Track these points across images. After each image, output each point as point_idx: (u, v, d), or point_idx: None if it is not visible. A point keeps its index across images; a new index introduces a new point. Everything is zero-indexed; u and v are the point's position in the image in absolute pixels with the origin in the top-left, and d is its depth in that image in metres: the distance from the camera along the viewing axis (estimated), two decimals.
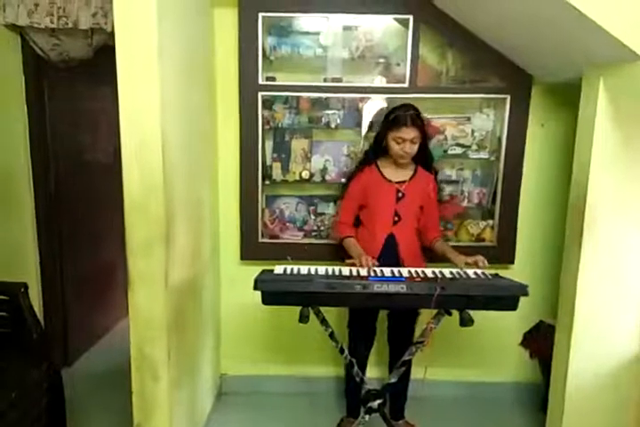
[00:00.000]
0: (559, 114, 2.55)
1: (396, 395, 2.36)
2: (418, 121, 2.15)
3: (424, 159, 2.29)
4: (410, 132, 2.13)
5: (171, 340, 1.86)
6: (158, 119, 1.71)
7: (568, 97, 2.39)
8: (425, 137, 2.22)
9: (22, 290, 1.96)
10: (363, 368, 2.31)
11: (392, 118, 2.18)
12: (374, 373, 2.66)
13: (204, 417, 2.51)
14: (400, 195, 2.22)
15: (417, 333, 2.28)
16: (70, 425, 2.17)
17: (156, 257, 1.78)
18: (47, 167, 2.81)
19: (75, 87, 3.07)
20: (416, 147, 2.17)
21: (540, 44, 2.13)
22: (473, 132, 2.58)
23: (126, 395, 1.86)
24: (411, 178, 2.25)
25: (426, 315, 1.93)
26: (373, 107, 2.58)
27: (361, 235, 2.29)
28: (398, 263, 2.19)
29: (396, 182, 2.23)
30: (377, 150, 2.28)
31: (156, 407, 1.85)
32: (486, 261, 1.99)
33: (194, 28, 2.18)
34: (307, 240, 2.66)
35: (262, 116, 2.52)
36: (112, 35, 1.70)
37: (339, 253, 2.41)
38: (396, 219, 2.22)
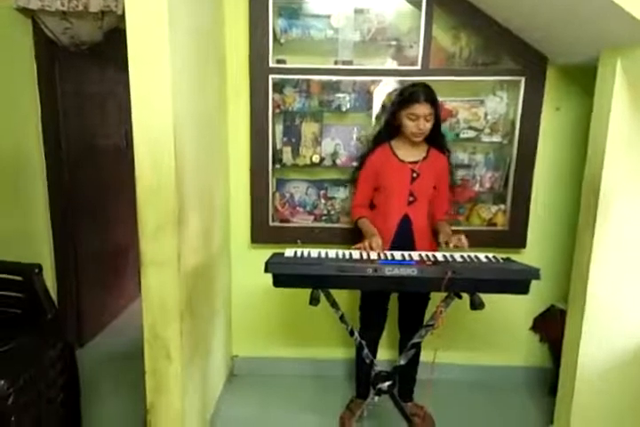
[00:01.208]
0: (575, 97, 2.50)
1: (405, 377, 2.37)
2: (432, 98, 2.12)
3: (437, 140, 2.27)
4: (424, 109, 2.10)
5: (183, 321, 1.88)
6: (170, 103, 1.71)
7: (584, 80, 2.35)
8: (438, 117, 2.20)
9: (37, 271, 1.99)
10: (374, 351, 2.33)
11: (405, 95, 2.16)
12: (385, 355, 2.68)
13: (216, 398, 2.55)
14: (415, 175, 2.21)
15: (427, 316, 2.29)
16: (85, 404, 2.22)
17: (169, 240, 1.79)
18: (59, 150, 2.84)
19: (86, 70, 3.07)
20: (429, 125, 2.15)
21: (556, 24, 2.08)
22: (486, 115, 2.55)
23: (139, 375, 1.89)
24: (424, 158, 2.23)
25: (436, 298, 1.93)
26: (385, 90, 2.55)
27: (375, 216, 2.28)
28: (412, 244, 2.19)
29: (410, 162, 2.22)
30: (390, 130, 2.26)
31: (168, 387, 1.88)
32: (465, 242, 2.00)
33: (204, 10, 2.16)
34: (317, 224, 2.67)
35: (272, 99, 2.51)
36: (122, 17, 1.69)
37: (349, 237, 2.41)
38: (412, 199, 2.22)
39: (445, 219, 2.31)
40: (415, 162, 2.22)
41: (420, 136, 2.17)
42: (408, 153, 2.24)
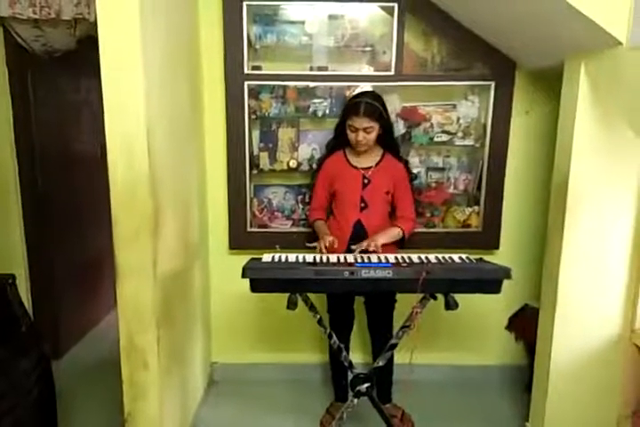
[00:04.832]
0: (543, 100, 2.57)
1: (381, 379, 2.38)
2: (373, 110, 2.12)
3: (391, 147, 2.30)
4: (361, 122, 2.13)
5: (160, 329, 1.87)
6: (143, 110, 1.70)
7: (551, 83, 2.40)
8: (386, 126, 2.22)
9: (10, 281, 1.96)
10: (346, 352, 2.35)
11: (349, 105, 2.19)
12: (358, 358, 2.70)
13: (195, 405, 2.53)
14: (366, 181, 2.23)
15: (396, 318, 2.32)
16: (61, 416, 2.18)
17: (144, 248, 1.78)
18: (33, 158, 2.80)
19: (59, 78, 3.04)
20: (371, 136, 2.16)
21: (523, 31, 2.14)
22: (458, 119, 2.59)
23: (117, 385, 1.86)
24: (377, 164, 2.26)
25: (407, 300, 1.94)
26: None
27: (331, 222, 2.32)
28: (367, 250, 2.18)
29: (362, 168, 2.24)
30: (340, 138, 2.28)
31: (146, 396, 1.86)
32: (373, 245, 2.07)
33: (178, 16, 2.17)
34: (295, 229, 2.68)
35: (249, 105, 2.52)
36: (95, 25, 1.68)
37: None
38: (363, 205, 2.24)
39: (400, 226, 2.24)
40: (368, 168, 2.24)
41: (363, 147, 2.20)
42: (361, 159, 2.26)
